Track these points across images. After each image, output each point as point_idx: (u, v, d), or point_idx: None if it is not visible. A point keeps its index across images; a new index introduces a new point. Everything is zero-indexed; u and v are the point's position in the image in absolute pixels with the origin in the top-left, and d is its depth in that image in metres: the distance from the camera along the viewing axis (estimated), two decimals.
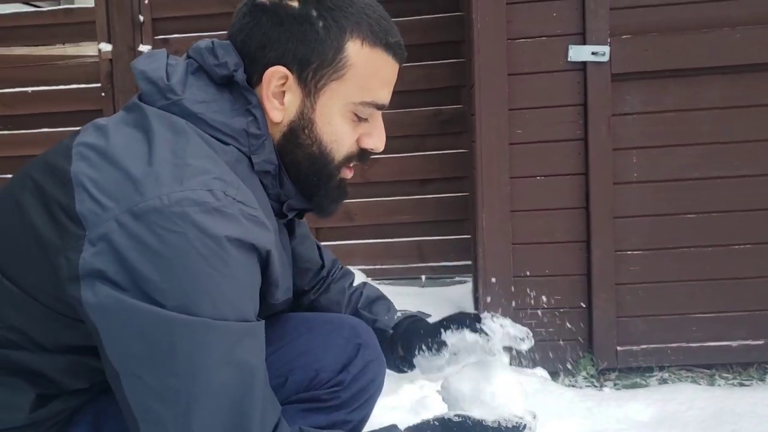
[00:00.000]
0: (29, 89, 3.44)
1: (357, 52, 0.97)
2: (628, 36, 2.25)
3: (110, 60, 3.36)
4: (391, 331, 1.29)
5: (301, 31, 0.96)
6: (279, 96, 0.98)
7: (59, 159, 0.91)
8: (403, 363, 1.27)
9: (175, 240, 0.80)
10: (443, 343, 1.16)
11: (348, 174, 1.06)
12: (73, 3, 3.55)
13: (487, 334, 1.11)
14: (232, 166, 0.92)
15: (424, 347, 1.18)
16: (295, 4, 0.96)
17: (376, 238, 3.38)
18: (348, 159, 1.04)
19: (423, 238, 3.34)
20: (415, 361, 1.21)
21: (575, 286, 2.36)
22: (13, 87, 3.45)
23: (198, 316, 0.81)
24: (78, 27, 3.45)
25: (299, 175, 1.03)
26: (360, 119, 1.02)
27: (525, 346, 1.11)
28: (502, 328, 1.11)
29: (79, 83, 3.45)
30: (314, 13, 0.96)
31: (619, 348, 2.34)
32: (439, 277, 3.34)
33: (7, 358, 0.92)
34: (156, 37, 3.37)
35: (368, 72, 0.99)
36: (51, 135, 3.42)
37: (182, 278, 0.81)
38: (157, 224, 0.81)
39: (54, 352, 0.92)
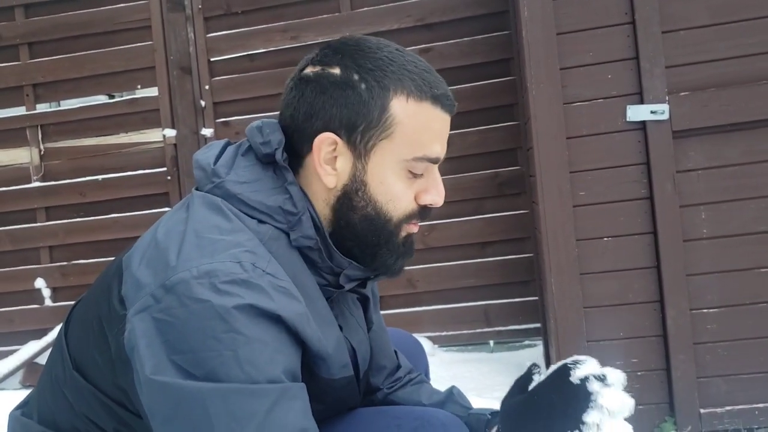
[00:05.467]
0: (99, 177, 3.58)
1: (403, 108, 0.96)
2: (686, 93, 2.24)
3: (174, 145, 3.49)
4: (488, 416, 1.18)
5: (345, 96, 0.96)
6: (331, 161, 0.98)
7: (124, 253, 0.97)
8: None
9: (200, 310, 0.82)
10: None
11: (414, 229, 1.04)
12: (134, 93, 3.70)
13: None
14: (266, 243, 0.93)
15: None
16: (337, 71, 0.97)
17: (441, 304, 3.35)
18: (408, 217, 1.02)
19: (489, 302, 3.30)
20: None
21: (651, 347, 2.30)
22: (85, 176, 3.60)
23: (228, 382, 0.81)
24: (142, 115, 3.59)
25: (357, 237, 1.01)
26: (415, 176, 1.00)
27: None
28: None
29: (145, 169, 3.57)
30: (356, 77, 0.96)
31: (702, 410, 2.26)
32: (508, 341, 3.29)
33: None
34: (217, 120, 3.49)
35: (417, 127, 0.97)
36: (120, 220, 3.55)
37: (208, 346, 0.81)
38: (185, 295, 0.83)
39: None
